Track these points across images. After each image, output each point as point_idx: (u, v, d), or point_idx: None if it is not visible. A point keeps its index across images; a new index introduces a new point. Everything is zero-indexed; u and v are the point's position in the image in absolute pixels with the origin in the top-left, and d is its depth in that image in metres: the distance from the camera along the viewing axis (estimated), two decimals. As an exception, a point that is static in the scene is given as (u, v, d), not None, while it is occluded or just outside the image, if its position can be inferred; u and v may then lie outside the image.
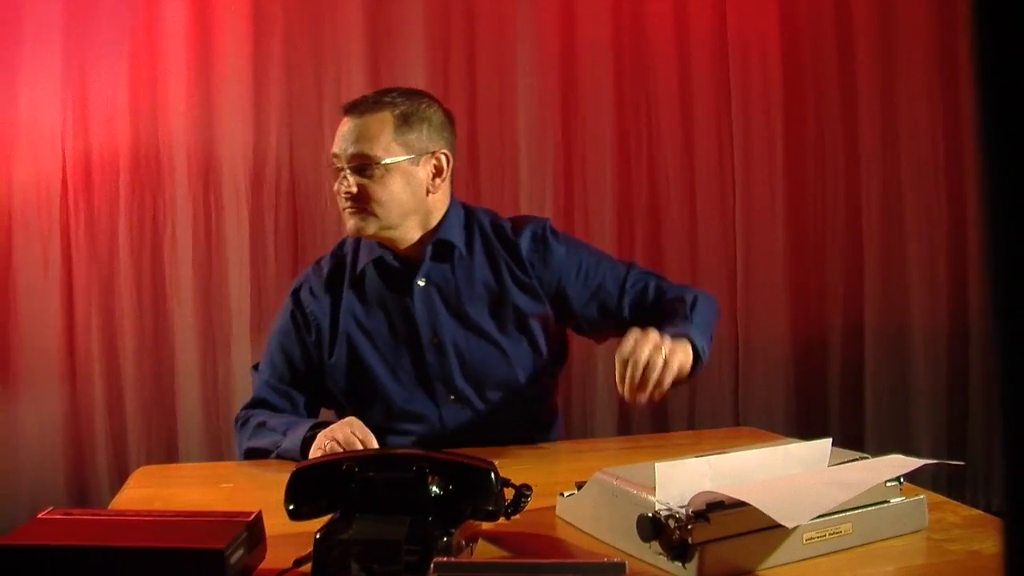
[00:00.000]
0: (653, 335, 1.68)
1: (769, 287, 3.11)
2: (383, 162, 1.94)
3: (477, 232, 2.06)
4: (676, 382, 1.70)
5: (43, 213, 2.78)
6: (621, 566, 0.90)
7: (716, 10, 3.09)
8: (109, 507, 1.55)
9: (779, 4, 3.11)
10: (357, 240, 2.07)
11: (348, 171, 1.94)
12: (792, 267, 3.15)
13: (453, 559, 1.03)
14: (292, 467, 1.24)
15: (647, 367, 1.64)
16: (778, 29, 3.11)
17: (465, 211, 2.08)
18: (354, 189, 1.93)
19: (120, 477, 2.82)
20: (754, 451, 1.29)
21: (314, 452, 1.70)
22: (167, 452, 2.85)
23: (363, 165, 1.94)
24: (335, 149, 1.97)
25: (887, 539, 1.23)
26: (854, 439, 3.05)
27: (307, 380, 2.01)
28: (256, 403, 2.01)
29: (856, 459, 1.34)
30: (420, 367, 1.97)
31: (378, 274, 2.02)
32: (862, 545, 1.21)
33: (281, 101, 2.88)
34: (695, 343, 1.76)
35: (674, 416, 3.03)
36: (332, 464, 1.17)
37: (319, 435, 1.73)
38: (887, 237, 3.13)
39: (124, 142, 2.80)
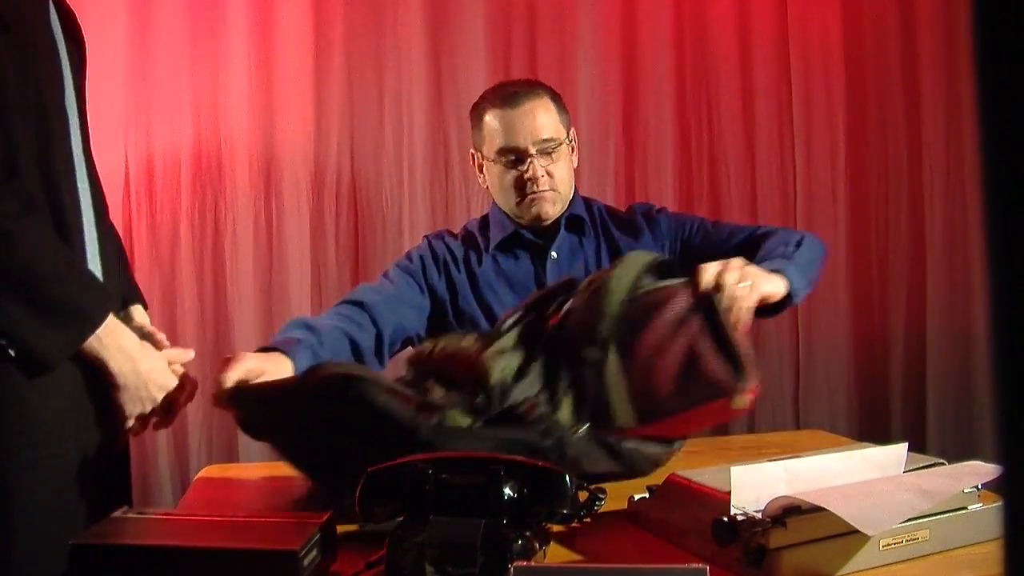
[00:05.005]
0: (737, 261, 1.56)
1: (830, 288, 3.07)
2: (563, 141, 2.04)
3: (595, 210, 2.15)
4: (764, 313, 1.63)
5: (105, 213, 2.80)
6: (703, 572, 0.89)
7: (777, 6, 3.06)
8: (179, 506, 1.56)
9: (842, 2, 3.08)
10: (480, 219, 2.18)
11: (536, 157, 2.01)
12: (854, 269, 3.11)
13: (531, 563, 1.02)
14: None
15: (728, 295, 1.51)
16: (840, 27, 3.07)
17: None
18: (545, 174, 2.01)
19: (182, 475, 2.85)
20: (829, 455, 1.27)
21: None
22: (228, 452, 2.87)
23: (548, 148, 2.02)
24: (512, 142, 2.02)
25: (965, 546, 1.21)
26: (917, 443, 3.00)
27: (402, 315, 1.99)
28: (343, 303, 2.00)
29: (932, 464, 1.31)
30: None
31: (512, 248, 2.11)
32: (939, 552, 1.19)
33: (343, 103, 2.89)
34: (790, 279, 1.68)
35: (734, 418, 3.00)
36: (406, 466, 1.17)
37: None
38: (951, 239, 3.07)
39: (186, 143, 2.82)
